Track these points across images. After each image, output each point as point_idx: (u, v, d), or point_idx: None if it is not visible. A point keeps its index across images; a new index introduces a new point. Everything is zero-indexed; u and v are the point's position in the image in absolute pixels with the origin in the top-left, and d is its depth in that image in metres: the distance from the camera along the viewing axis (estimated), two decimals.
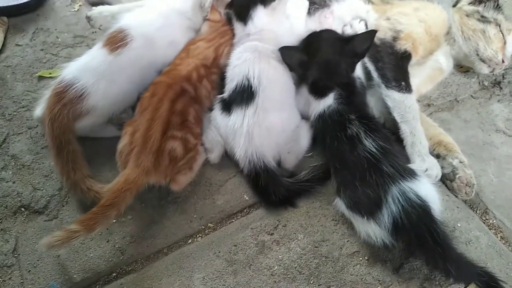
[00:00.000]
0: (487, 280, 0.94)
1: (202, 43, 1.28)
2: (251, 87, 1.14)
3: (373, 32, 1.17)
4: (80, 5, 1.65)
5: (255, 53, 1.19)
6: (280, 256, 1.05)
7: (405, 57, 1.24)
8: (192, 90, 1.18)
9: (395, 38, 1.25)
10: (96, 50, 1.19)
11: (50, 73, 1.42)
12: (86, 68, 1.15)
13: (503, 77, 1.47)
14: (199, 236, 1.10)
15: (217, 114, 1.19)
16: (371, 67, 1.26)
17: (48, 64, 1.46)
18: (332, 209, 1.11)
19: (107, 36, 1.20)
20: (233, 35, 1.31)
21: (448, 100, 1.40)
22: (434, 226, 0.92)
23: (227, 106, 1.17)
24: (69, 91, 1.12)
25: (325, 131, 1.12)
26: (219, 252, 1.05)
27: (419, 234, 0.92)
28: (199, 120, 1.19)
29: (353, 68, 1.17)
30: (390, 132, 1.24)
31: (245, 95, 1.14)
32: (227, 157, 1.20)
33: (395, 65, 1.23)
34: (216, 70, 1.27)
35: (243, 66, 1.18)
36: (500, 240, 1.09)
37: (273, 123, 1.14)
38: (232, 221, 1.13)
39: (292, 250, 1.05)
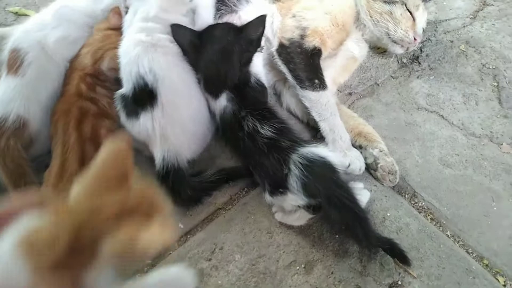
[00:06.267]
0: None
1: (83, 50, 1.19)
2: (147, 84, 1.04)
3: (263, 16, 1.13)
4: None
5: (139, 45, 1.07)
6: (219, 282, 1.03)
7: (315, 53, 1.22)
8: (91, 104, 1.11)
9: (302, 36, 1.23)
10: (4, 81, 1.13)
11: None
12: (6, 100, 1.09)
13: (421, 50, 1.47)
14: (137, 274, 1.07)
15: (124, 120, 1.09)
16: (284, 69, 1.24)
17: None
18: (267, 220, 1.10)
19: (5, 62, 1.15)
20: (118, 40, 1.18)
21: (368, 85, 1.40)
22: (336, 175, 0.98)
23: (133, 110, 1.07)
24: (7, 123, 1.07)
25: (229, 133, 1.12)
26: None
27: (324, 184, 0.95)
28: None
29: (248, 60, 1.14)
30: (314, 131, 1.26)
31: (145, 95, 1.04)
32: None
33: (306, 64, 1.21)
34: (104, 77, 1.16)
35: (131, 64, 1.06)
36: (430, 222, 1.10)
37: (184, 117, 1.08)
38: (170, 253, 1.10)
39: (231, 273, 1.04)
